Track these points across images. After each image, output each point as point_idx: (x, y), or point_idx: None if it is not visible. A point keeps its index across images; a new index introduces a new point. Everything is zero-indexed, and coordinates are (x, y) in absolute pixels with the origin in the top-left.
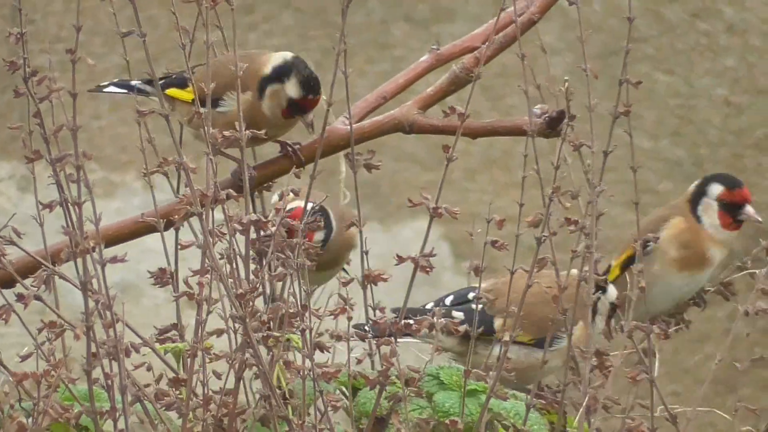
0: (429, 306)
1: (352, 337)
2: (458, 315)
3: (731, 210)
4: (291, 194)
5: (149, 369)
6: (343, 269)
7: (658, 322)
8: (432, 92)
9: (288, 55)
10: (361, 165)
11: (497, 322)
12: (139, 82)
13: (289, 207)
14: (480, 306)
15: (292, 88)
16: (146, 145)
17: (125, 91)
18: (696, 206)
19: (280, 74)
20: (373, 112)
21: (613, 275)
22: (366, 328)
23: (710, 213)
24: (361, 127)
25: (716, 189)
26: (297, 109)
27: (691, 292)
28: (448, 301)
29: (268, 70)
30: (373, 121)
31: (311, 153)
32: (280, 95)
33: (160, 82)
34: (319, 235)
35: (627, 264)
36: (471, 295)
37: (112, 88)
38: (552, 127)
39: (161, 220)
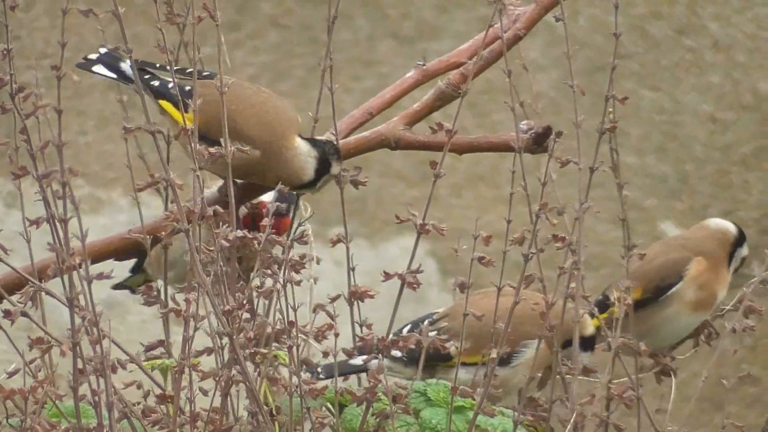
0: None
1: (339, 353)
2: (399, 355)
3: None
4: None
5: (139, 387)
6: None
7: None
8: (418, 108)
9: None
10: (348, 181)
11: (453, 349)
12: (129, 65)
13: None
14: (435, 332)
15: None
16: (133, 162)
17: (114, 76)
18: (734, 252)
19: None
20: (360, 127)
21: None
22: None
23: (735, 263)
24: (347, 143)
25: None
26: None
27: (693, 328)
28: (404, 330)
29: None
30: (359, 138)
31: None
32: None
33: (153, 83)
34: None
35: (637, 305)
36: (426, 322)
37: (100, 68)
38: (539, 143)
39: (148, 237)
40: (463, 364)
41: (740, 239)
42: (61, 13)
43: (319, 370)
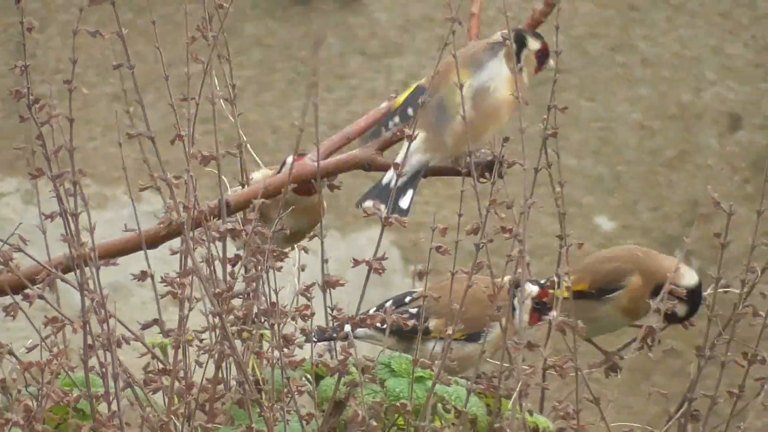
0: (371, 311)
1: (314, 332)
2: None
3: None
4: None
5: (154, 357)
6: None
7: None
8: (389, 136)
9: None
10: (325, 185)
11: (432, 323)
12: None
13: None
14: (417, 309)
15: (533, 44)
16: (135, 163)
17: None
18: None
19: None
20: (338, 150)
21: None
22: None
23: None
24: (328, 163)
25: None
26: (544, 58)
27: (622, 327)
28: (388, 305)
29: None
30: (338, 159)
31: (282, 183)
32: (529, 57)
33: None
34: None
35: (579, 294)
36: (408, 299)
37: None
38: (484, 173)
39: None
40: (440, 338)
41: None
42: (72, 34)
43: (313, 335)
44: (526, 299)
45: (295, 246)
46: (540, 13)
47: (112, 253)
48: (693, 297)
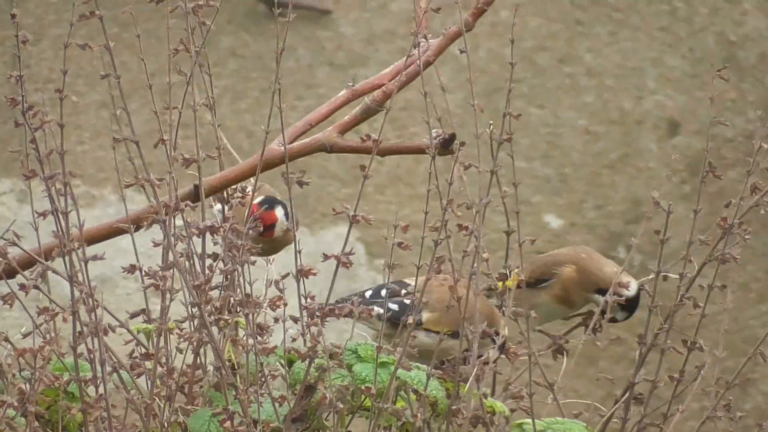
0: (367, 293)
1: (287, 320)
2: (393, 306)
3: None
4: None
5: (137, 345)
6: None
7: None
8: (349, 120)
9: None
10: (294, 182)
11: (425, 316)
12: None
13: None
14: (409, 300)
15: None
16: (121, 165)
17: None
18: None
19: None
20: (302, 136)
21: (509, 284)
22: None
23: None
24: (292, 147)
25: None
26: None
27: (562, 316)
28: (367, 294)
29: None
30: (301, 143)
31: (253, 167)
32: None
33: None
34: (279, 212)
35: (520, 285)
36: (404, 291)
37: None
38: (445, 146)
39: (132, 225)
40: (428, 330)
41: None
42: (63, 47)
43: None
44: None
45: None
46: (483, 3)
47: (98, 238)
48: (632, 305)
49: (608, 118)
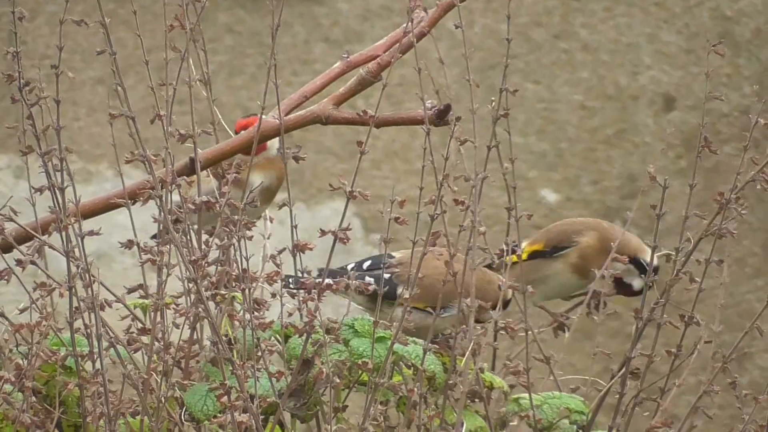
0: (350, 266)
1: (284, 294)
2: (369, 279)
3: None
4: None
5: (133, 320)
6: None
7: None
8: (344, 91)
9: None
10: (290, 157)
11: (400, 290)
12: None
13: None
14: (389, 275)
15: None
16: (118, 141)
17: None
18: (638, 265)
19: None
20: (297, 107)
21: (524, 256)
22: (290, 281)
23: (628, 278)
24: (288, 119)
25: (641, 280)
26: None
27: (577, 290)
28: (365, 265)
29: None
30: (297, 115)
31: (249, 140)
32: None
33: None
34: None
35: (534, 255)
36: (387, 264)
37: None
38: (440, 117)
39: (128, 200)
40: (414, 308)
41: (639, 264)
42: (59, 23)
43: (290, 281)
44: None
45: (263, 217)
46: None
47: (94, 212)
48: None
49: (604, 94)
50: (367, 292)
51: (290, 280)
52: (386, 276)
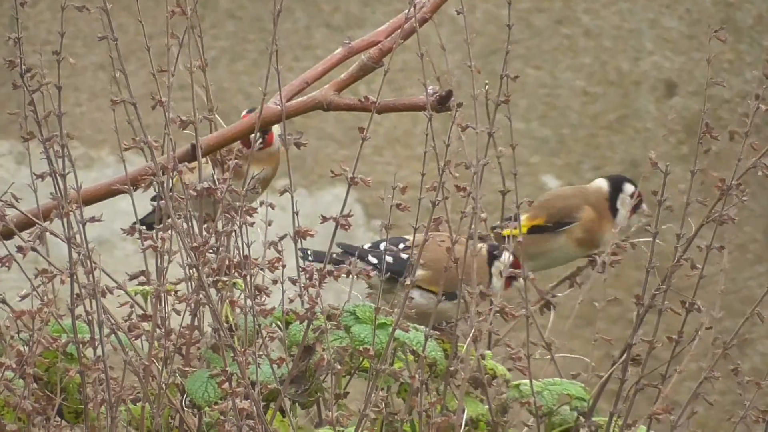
0: (366, 246)
1: (286, 281)
2: (389, 260)
3: (635, 204)
4: None
5: (134, 307)
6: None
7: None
8: (345, 77)
9: None
10: (292, 143)
11: (418, 273)
12: None
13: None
14: (406, 256)
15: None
16: (120, 127)
17: None
18: (614, 200)
19: None
20: (298, 94)
21: (524, 229)
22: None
23: (624, 206)
24: (290, 106)
25: (629, 188)
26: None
27: (575, 259)
28: (381, 246)
29: None
30: (298, 101)
31: (250, 126)
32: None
33: None
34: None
35: (534, 229)
36: (401, 245)
37: None
38: (442, 103)
39: (130, 186)
40: (422, 288)
41: (614, 191)
42: (60, 9)
43: (309, 253)
44: (504, 267)
45: (262, 203)
46: None
47: (96, 198)
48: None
49: (606, 79)
50: (368, 278)
51: (309, 253)
52: (404, 257)
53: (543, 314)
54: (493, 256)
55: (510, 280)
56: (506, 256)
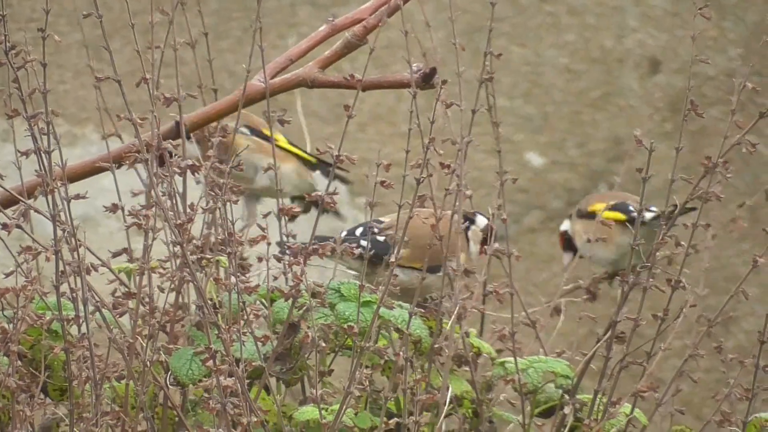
0: (342, 234)
1: (270, 258)
2: (364, 243)
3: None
4: None
5: (119, 284)
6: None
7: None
8: (329, 54)
9: None
10: (276, 120)
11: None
12: None
13: None
14: (383, 238)
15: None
16: (104, 104)
17: None
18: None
19: None
20: (283, 71)
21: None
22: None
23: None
24: (274, 83)
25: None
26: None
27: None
28: (357, 232)
29: None
30: (282, 78)
31: (234, 103)
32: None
33: None
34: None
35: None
36: (375, 229)
37: None
38: (426, 80)
39: (113, 163)
40: (403, 267)
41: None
42: None
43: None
44: (479, 232)
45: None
46: None
47: (81, 175)
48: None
49: (589, 57)
50: (352, 255)
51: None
52: (380, 239)
53: (552, 317)
54: (469, 221)
55: (484, 244)
56: (481, 220)
